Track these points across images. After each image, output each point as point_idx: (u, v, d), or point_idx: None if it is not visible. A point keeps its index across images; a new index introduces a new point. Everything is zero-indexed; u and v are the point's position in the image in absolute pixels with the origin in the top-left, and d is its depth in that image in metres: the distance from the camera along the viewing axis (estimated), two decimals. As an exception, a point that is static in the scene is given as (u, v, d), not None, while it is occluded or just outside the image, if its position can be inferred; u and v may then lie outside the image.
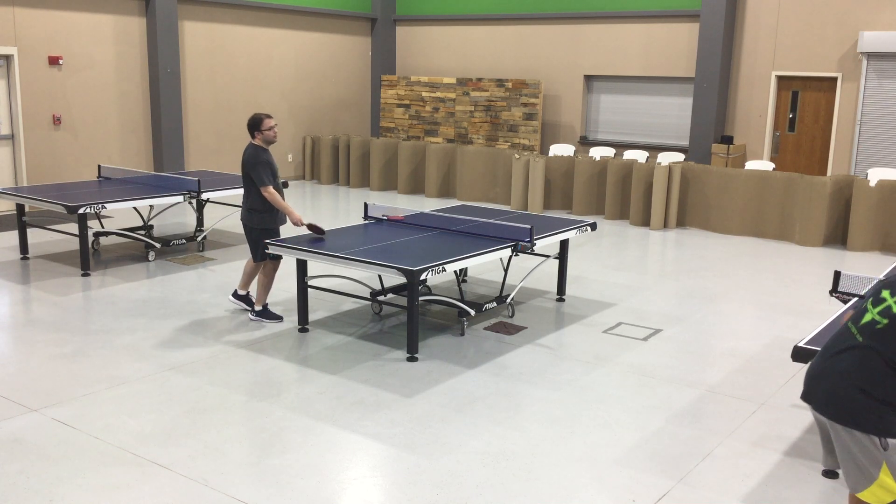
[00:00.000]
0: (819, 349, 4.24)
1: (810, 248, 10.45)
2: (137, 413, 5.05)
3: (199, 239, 9.47)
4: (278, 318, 6.91)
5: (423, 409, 5.20)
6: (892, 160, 12.19)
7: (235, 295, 7.15)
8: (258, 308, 6.91)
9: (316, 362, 5.99)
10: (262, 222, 6.75)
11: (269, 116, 6.73)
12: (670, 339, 6.70)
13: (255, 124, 6.70)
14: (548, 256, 7.92)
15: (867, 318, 3.14)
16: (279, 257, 6.79)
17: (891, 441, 3.01)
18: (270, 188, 6.62)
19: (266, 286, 6.90)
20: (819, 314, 7.46)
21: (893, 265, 6.29)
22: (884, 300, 3.13)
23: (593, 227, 7.77)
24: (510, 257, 6.84)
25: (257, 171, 6.60)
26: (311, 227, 6.66)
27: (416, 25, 16.61)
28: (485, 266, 8.75)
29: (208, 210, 11.34)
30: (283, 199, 6.76)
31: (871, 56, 12.12)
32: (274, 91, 14.96)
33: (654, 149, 13.94)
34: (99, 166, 10.31)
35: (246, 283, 7.11)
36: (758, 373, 5.99)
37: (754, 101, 13.23)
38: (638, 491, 4.24)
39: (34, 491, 4.10)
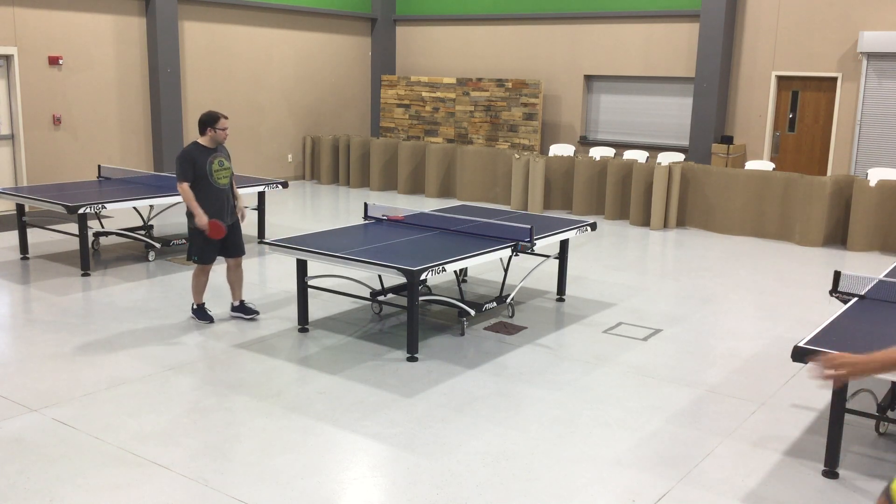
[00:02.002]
0: (819, 349, 4.24)
1: (810, 248, 10.45)
2: (137, 413, 5.05)
3: (199, 239, 9.46)
4: (210, 319, 6.85)
5: (423, 409, 5.20)
6: (892, 160, 12.18)
7: (233, 308, 7.06)
8: (194, 306, 6.89)
9: (316, 362, 5.99)
10: (193, 221, 6.64)
11: (225, 117, 6.62)
12: (670, 339, 6.70)
13: (209, 121, 6.58)
14: (548, 256, 7.92)
15: None
16: (205, 260, 6.71)
17: None
18: (184, 184, 6.52)
19: (195, 286, 6.83)
20: (819, 314, 7.46)
21: (894, 265, 6.29)
22: None
23: (593, 227, 7.77)
24: (510, 257, 6.84)
25: (178, 165, 6.54)
26: (212, 224, 6.53)
27: (416, 25, 16.61)
28: (485, 266, 8.75)
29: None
30: (235, 199, 6.81)
31: (871, 56, 12.12)
32: (274, 91, 14.96)
33: (654, 149, 13.93)
34: (99, 166, 10.31)
35: (233, 292, 7.02)
36: (758, 373, 5.99)
37: (754, 101, 13.23)
38: (638, 491, 4.24)
39: (34, 491, 4.10)
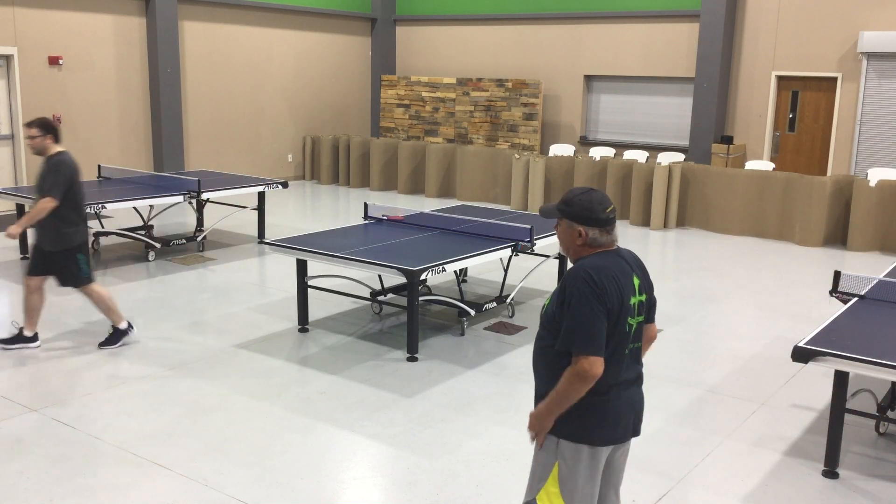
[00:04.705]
0: (819, 349, 4.24)
1: (810, 248, 10.46)
2: (137, 413, 5.05)
3: (198, 239, 9.47)
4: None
5: (423, 409, 5.20)
6: (892, 160, 12.18)
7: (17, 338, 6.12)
8: (121, 327, 6.16)
9: (316, 362, 5.99)
10: (80, 237, 5.94)
11: (26, 125, 5.88)
12: (670, 339, 6.70)
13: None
14: (548, 256, 7.92)
15: (634, 323, 2.91)
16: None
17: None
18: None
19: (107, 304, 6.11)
20: (819, 314, 7.46)
21: (894, 265, 6.29)
22: (635, 306, 2.90)
23: (593, 227, 7.75)
24: (510, 257, 6.84)
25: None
26: None
27: (416, 25, 16.61)
28: (485, 266, 8.75)
29: (208, 210, 11.32)
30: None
31: (871, 56, 12.12)
32: (274, 91, 14.96)
33: (654, 149, 13.93)
34: (99, 166, 10.31)
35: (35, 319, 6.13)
36: (758, 373, 5.99)
37: (754, 101, 13.22)
38: (638, 491, 4.24)
39: (34, 491, 4.10)
